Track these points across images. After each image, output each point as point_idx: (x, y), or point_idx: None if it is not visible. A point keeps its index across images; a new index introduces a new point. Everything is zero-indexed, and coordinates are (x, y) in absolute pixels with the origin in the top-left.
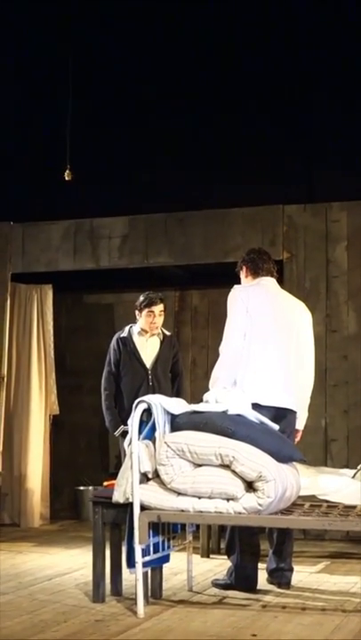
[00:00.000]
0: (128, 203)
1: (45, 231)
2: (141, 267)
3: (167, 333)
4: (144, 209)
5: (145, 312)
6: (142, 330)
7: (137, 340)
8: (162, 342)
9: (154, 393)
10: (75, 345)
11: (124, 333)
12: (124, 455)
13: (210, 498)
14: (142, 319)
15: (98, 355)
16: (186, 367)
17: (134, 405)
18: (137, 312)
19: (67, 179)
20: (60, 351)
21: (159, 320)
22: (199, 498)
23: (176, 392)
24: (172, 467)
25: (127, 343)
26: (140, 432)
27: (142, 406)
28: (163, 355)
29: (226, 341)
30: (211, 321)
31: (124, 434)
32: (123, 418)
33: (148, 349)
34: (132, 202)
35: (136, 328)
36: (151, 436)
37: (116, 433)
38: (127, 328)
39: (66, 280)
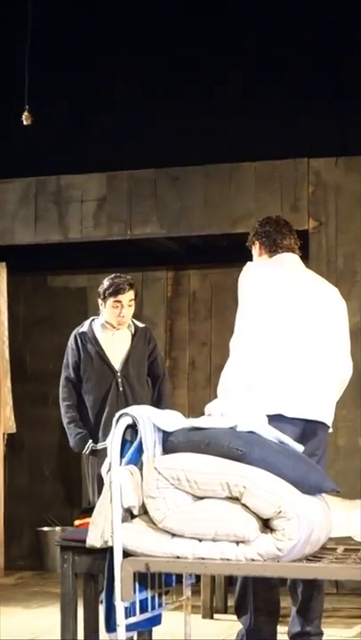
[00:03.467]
0: (105, 155)
1: None
2: (123, 240)
3: (140, 325)
4: (126, 163)
5: (110, 302)
6: (107, 323)
7: (101, 335)
8: (133, 336)
9: (126, 403)
10: (37, 342)
11: (84, 328)
12: (93, 486)
13: (214, 540)
14: (107, 310)
15: None
16: (182, 371)
17: (115, 420)
18: (100, 301)
19: (25, 123)
20: (17, 350)
21: (128, 312)
22: (200, 540)
23: (156, 401)
24: (164, 500)
25: (88, 340)
26: (122, 454)
27: (125, 421)
28: (135, 352)
29: (238, 335)
30: (214, 310)
31: (94, 452)
32: (94, 434)
33: (117, 346)
34: (111, 154)
35: (99, 320)
36: (137, 461)
37: (85, 450)
38: (87, 322)
39: (25, 257)
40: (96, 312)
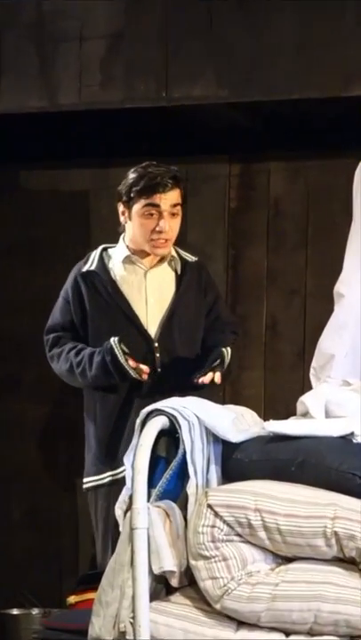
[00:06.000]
0: None
1: None
2: (154, 109)
3: (190, 259)
4: None
5: (140, 208)
6: (133, 252)
7: (123, 276)
8: (180, 278)
9: (165, 393)
10: (7, 282)
11: (91, 264)
12: (101, 538)
13: (311, 634)
14: (134, 226)
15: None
16: (255, 339)
17: (139, 422)
18: (121, 210)
19: None
20: None
21: (172, 227)
22: (287, 635)
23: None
24: (224, 562)
25: (100, 285)
26: (151, 482)
27: (158, 423)
28: (185, 305)
29: (346, 277)
30: (312, 234)
31: (99, 489)
32: (96, 460)
33: (152, 296)
34: None
35: (119, 251)
36: (178, 493)
37: (88, 485)
38: (95, 254)
39: None
40: (106, 236)
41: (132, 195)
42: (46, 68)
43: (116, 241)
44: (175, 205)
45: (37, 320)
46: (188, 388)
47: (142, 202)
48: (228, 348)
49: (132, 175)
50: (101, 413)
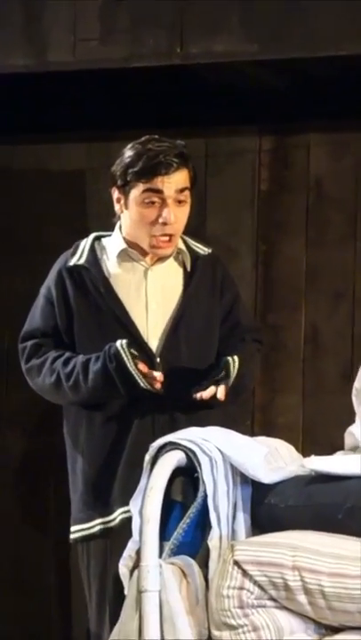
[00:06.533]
0: None
1: None
2: (166, 67)
3: (202, 251)
4: None
5: (138, 193)
6: (131, 244)
7: (118, 274)
8: (189, 276)
9: (173, 422)
10: None
11: (79, 257)
12: (96, 602)
13: None
14: (132, 214)
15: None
16: (291, 354)
17: (148, 458)
18: (116, 195)
19: None
20: None
21: (178, 216)
22: None
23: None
24: (255, 633)
25: (91, 282)
26: (164, 533)
27: (173, 458)
28: (194, 310)
29: None
30: None
31: (90, 541)
32: (83, 504)
33: (153, 299)
34: None
35: (114, 243)
36: (197, 547)
37: (75, 535)
38: (85, 244)
39: None
40: (108, 227)
41: (128, 178)
42: (33, 18)
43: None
44: (182, 190)
45: (19, 330)
46: (200, 414)
47: (141, 187)
48: (236, 357)
49: (128, 153)
50: (89, 441)
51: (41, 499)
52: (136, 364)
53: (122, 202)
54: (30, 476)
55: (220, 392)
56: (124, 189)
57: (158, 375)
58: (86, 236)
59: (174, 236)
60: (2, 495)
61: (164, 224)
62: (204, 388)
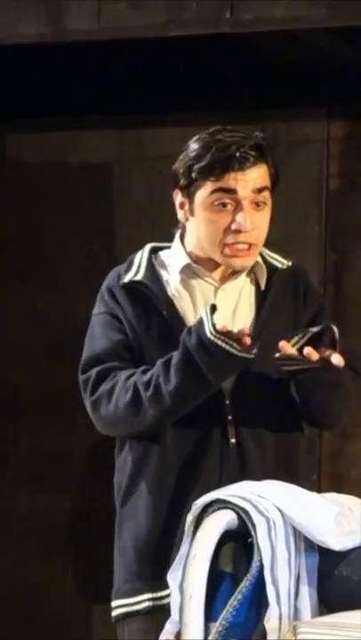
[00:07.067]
0: None
1: None
2: (213, 35)
3: (281, 264)
4: None
5: (206, 193)
6: (196, 261)
7: (180, 292)
8: (263, 295)
9: (244, 471)
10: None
11: (136, 273)
12: None
13: None
14: (199, 222)
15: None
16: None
17: (191, 516)
18: (180, 199)
19: None
20: None
21: (257, 222)
22: None
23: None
24: None
25: (150, 302)
26: (211, 613)
27: (221, 520)
28: (270, 336)
29: None
30: None
31: (134, 618)
32: (131, 574)
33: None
34: None
35: (175, 256)
36: (252, 627)
37: (118, 611)
38: (141, 257)
39: None
40: (140, 233)
41: (193, 175)
42: None
43: (158, 239)
44: (261, 191)
45: (34, 360)
46: (274, 468)
47: (210, 186)
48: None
49: (193, 146)
50: (146, 497)
51: (58, 566)
52: (217, 330)
53: (186, 207)
54: (45, 542)
55: (336, 357)
56: (189, 191)
57: (245, 330)
58: (110, 242)
59: (254, 246)
60: (12, 563)
61: (238, 231)
62: (300, 341)
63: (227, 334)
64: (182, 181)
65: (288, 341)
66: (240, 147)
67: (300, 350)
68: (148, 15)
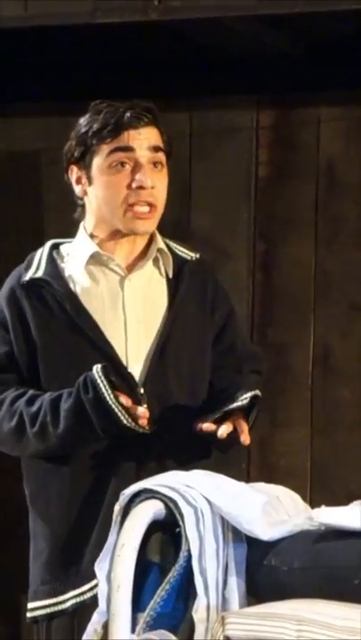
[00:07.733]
0: None
1: None
2: (139, 23)
3: (188, 256)
4: None
5: (102, 157)
6: (101, 243)
7: (85, 285)
8: (175, 284)
9: (160, 464)
10: None
11: (36, 270)
12: None
13: None
14: (98, 188)
15: None
16: (295, 382)
17: (119, 506)
18: (75, 174)
19: None
20: None
21: (156, 183)
22: None
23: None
24: None
25: (52, 298)
26: (138, 604)
27: (149, 510)
28: (183, 327)
29: None
30: None
31: (53, 620)
32: (48, 574)
33: (132, 313)
34: None
35: (79, 248)
36: (179, 618)
37: (36, 613)
38: (41, 254)
39: None
40: (70, 223)
41: (88, 142)
42: None
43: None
44: (157, 150)
45: None
46: (192, 457)
47: (105, 149)
48: (255, 392)
49: (82, 120)
50: (58, 496)
51: None
52: (117, 397)
53: (83, 180)
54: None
55: (244, 434)
56: (85, 162)
57: (143, 410)
58: (39, 233)
59: (155, 208)
60: None
61: (139, 188)
62: (216, 420)
63: (127, 408)
64: (76, 153)
65: (205, 422)
66: (130, 108)
67: (217, 420)
68: (76, 2)
